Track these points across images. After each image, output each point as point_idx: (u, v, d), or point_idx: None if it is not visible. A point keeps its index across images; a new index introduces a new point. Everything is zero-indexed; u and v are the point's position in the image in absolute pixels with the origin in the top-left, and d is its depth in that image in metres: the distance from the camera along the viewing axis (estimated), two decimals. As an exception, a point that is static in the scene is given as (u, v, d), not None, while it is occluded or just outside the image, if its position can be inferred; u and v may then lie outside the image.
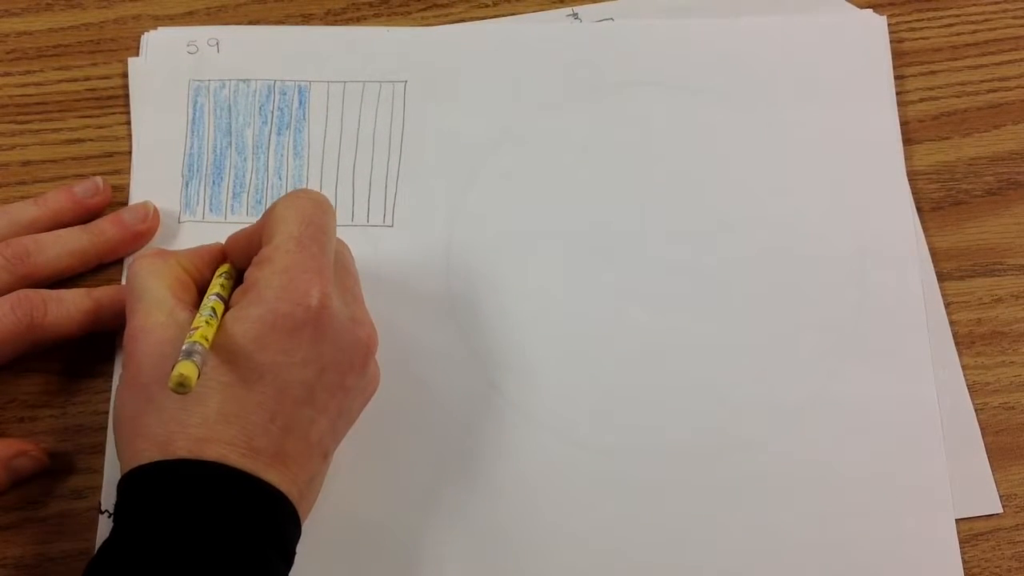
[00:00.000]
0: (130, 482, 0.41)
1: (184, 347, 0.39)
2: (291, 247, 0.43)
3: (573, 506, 0.48)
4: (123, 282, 0.51)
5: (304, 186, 0.53)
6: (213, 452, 0.40)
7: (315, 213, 0.44)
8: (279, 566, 0.40)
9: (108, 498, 0.48)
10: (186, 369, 0.38)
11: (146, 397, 0.41)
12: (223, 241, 0.48)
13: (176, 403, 0.40)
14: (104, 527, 0.48)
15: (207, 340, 0.40)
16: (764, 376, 0.50)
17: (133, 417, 0.42)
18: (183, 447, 0.40)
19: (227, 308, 0.43)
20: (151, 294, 0.43)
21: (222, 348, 0.41)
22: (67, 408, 0.50)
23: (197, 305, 0.43)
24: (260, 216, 0.46)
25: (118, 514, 0.40)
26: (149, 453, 0.40)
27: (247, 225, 0.46)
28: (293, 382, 0.41)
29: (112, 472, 0.48)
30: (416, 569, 0.47)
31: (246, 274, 0.44)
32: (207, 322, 0.41)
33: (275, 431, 0.41)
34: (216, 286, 0.44)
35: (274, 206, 0.45)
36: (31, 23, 0.57)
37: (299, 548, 0.42)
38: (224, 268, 0.46)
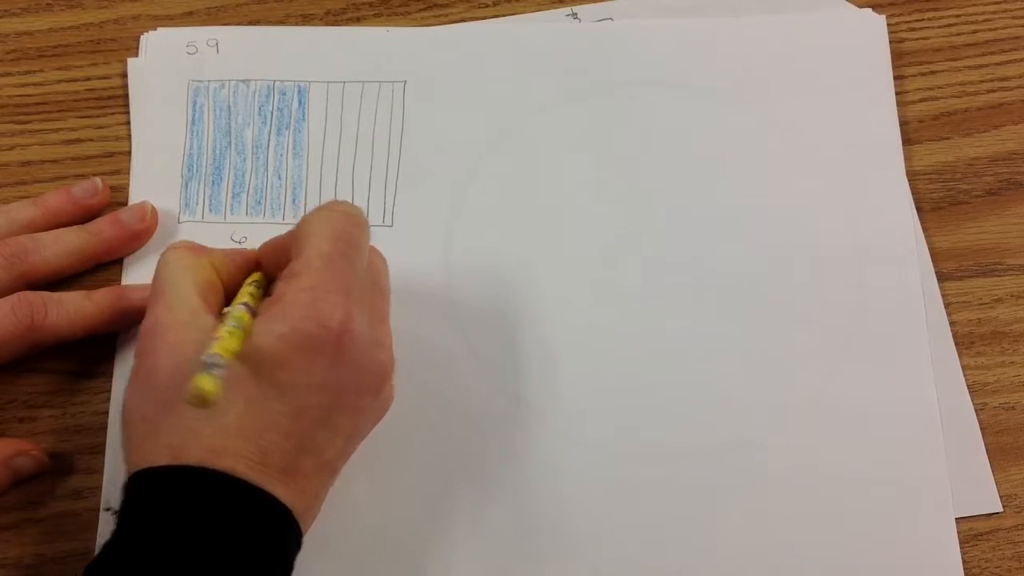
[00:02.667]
0: (138, 483, 0.40)
1: (204, 358, 0.38)
2: (319, 264, 0.42)
3: (575, 505, 0.48)
4: (125, 281, 0.51)
5: (303, 186, 0.53)
6: (224, 463, 0.40)
7: (346, 228, 0.43)
8: None
9: (108, 495, 0.48)
10: (207, 384, 0.37)
11: (162, 400, 0.41)
12: (257, 247, 0.47)
13: (195, 413, 0.40)
14: (105, 524, 0.48)
15: (229, 352, 0.39)
16: (764, 376, 0.50)
17: (146, 418, 0.41)
18: (195, 455, 0.40)
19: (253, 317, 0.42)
20: (178, 289, 0.43)
21: (244, 361, 0.40)
22: (67, 408, 0.50)
23: (222, 310, 0.43)
24: (279, 221, 0.45)
25: (123, 514, 0.40)
26: (159, 457, 0.40)
27: (259, 225, 0.45)
28: (312, 404, 0.41)
29: (112, 471, 0.48)
30: (424, 572, 0.47)
31: (275, 286, 0.43)
32: (230, 333, 0.40)
33: (289, 449, 0.41)
34: (244, 295, 0.43)
35: (306, 218, 0.44)
36: (31, 23, 0.57)
37: (308, 554, 0.42)
38: (255, 277, 0.45)
